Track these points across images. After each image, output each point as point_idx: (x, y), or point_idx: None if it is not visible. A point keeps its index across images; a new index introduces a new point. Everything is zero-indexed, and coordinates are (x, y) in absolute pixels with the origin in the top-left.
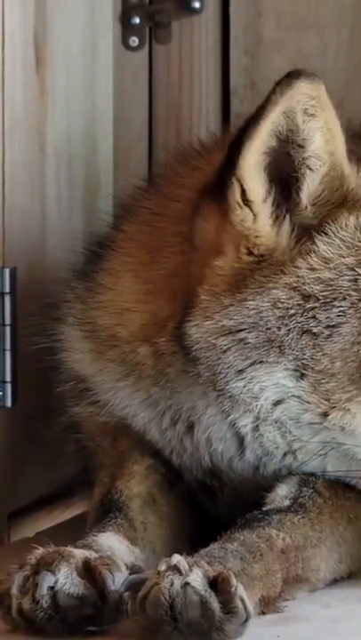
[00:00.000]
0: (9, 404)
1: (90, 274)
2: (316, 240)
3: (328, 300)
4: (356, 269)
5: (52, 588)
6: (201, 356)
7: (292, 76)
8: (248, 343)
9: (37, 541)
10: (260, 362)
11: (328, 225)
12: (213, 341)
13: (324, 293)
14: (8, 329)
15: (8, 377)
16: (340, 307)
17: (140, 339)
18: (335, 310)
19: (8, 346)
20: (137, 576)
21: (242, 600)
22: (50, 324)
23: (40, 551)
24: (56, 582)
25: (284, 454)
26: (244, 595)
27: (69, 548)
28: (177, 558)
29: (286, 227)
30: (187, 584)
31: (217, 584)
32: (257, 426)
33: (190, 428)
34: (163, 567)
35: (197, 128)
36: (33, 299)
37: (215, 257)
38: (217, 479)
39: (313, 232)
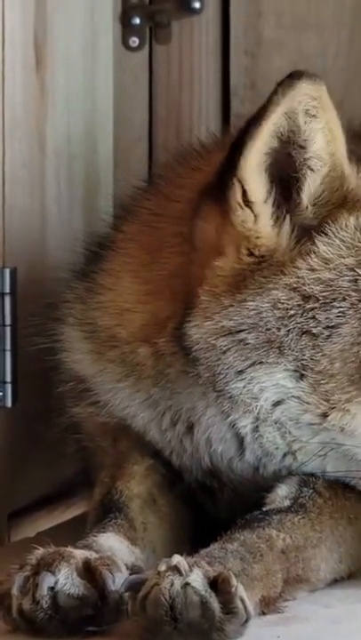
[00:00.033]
0: (9, 404)
1: (90, 274)
2: (316, 240)
3: (328, 300)
4: (356, 270)
5: (52, 588)
6: (201, 356)
7: (293, 77)
8: (248, 344)
9: (38, 542)
10: (260, 362)
11: (328, 225)
12: (213, 342)
13: (323, 294)
14: (8, 329)
15: (8, 377)
16: (340, 307)
17: (140, 339)
18: (335, 311)
19: (8, 346)
20: (137, 576)
21: (242, 600)
22: (50, 324)
23: (40, 551)
24: (56, 583)
25: (284, 455)
26: (245, 595)
27: (70, 549)
28: (177, 558)
29: (287, 227)
30: (187, 584)
31: (217, 584)
32: (257, 426)
33: (190, 428)
34: (163, 567)
35: (197, 128)
36: (33, 299)
37: (215, 257)
38: (217, 480)
39: (313, 232)
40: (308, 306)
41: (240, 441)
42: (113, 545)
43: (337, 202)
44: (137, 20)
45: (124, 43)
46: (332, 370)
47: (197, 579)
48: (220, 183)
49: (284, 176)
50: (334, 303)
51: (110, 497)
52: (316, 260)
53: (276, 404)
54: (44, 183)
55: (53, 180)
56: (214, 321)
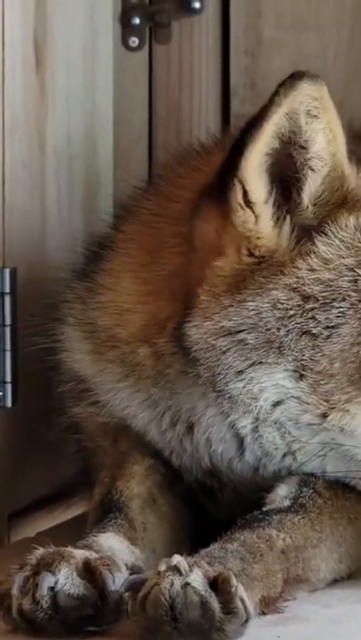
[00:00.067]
0: (9, 404)
1: (90, 274)
2: (315, 241)
3: (328, 300)
4: (356, 270)
5: (52, 588)
6: (200, 356)
7: (295, 78)
8: (247, 344)
9: (38, 542)
10: (260, 363)
11: (328, 225)
12: (213, 342)
13: (323, 294)
14: (8, 329)
15: (8, 377)
16: (340, 307)
17: (139, 339)
18: (335, 311)
19: (8, 346)
20: (137, 576)
21: (242, 600)
22: (50, 324)
23: (40, 551)
24: (56, 583)
25: (284, 455)
26: (245, 595)
27: (70, 549)
28: (177, 558)
29: (287, 228)
30: (187, 584)
31: (217, 584)
32: (256, 427)
33: (190, 428)
34: (163, 567)
35: (197, 128)
36: (33, 299)
37: (215, 258)
38: (217, 480)
39: (313, 233)
40: (308, 306)
41: (240, 441)
42: (113, 545)
43: (337, 202)
44: (137, 20)
45: (124, 43)
46: (331, 370)
47: (197, 579)
48: (221, 184)
49: (285, 176)
50: (334, 303)
51: (110, 497)
52: (315, 260)
53: (276, 404)
54: (44, 183)
55: (53, 181)
56: (214, 321)
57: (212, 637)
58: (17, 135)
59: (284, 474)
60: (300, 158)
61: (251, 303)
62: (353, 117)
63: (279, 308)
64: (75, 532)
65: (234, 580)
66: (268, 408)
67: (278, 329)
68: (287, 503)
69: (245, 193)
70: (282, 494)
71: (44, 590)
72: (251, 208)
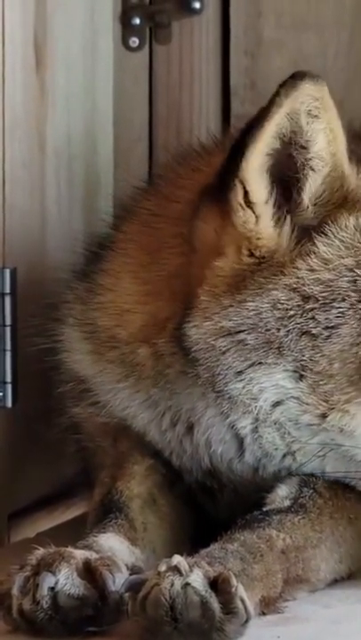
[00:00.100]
0: (9, 404)
1: (90, 274)
2: (315, 241)
3: (327, 301)
4: (356, 270)
5: (52, 588)
6: (200, 357)
7: (296, 78)
8: (247, 344)
9: (38, 542)
10: (260, 363)
11: (328, 226)
12: (213, 342)
13: (323, 294)
14: (8, 329)
15: (8, 377)
16: (340, 308)
17: (139, 340)
18: (334, 311)
19: (8, 346)
20: (137, 576)
21: (242, 600)
22: (50, 324)
23: (40, 552)
24: (56, 583)
25: (284, 455)
26: (245, 595)
27: (70, 549)
28: (177, 559)
29: (287, 228)
30: (187, 584)
31: (217, 584)
32: (256, 427)
33: (190, 429)
34: (163, 568)
35: (198, 128)
36: (33, 299)
37: (215, 258)
38: (217, 480)
39: (313, 233)
40: (308, 306)
41: (240, 442)
42: (113, 545)
43: (337, 202)
44: (137, 21)
45: (124, 43)
46: (331, 370)
47: (198, 579)
48: (221, 184)
49: (285, 176)
50: (334, 304)
51: (110, 497)
52: (315, 260)
53: (276, 404)
54: (44, 183)
55: (53, 181)
56: (214, 321)
57: (212, 637)
58: (17, 135)
59: (284, 474)
60: (301, 158)
61: (251, 303)
62: (353, 117)
63: (279, 309)
64: (75, 532)
65: (234, 581)
66: (268, 408)
67: (278, 329)
68: (287, 503)
69: (246, 193)
70: (282, 494)
71: (44, 590)
72: (251, 208)
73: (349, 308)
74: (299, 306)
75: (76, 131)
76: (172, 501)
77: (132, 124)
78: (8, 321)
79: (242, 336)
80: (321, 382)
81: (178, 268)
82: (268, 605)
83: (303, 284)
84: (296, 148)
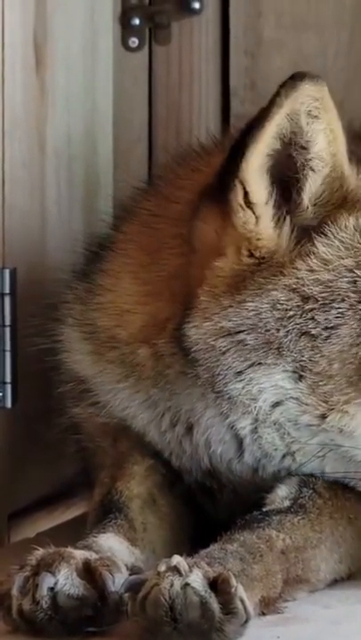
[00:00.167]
0: (9, 404)
1: (90, 275)
2: (315, 241)
3: (327, 301)
4: (355, 271)
5: (52, 588)
6: (200, 357)
7: (296, 79)
8: (247, 345)
9: (38, 542)
10: (259, 363)
11: (328, 226)
12: (212, 343)
13: (323, 295)
14: (8, 330)
15: (8, 378)
16: (339, 308)
17: (139, 340)
18: (334, 312)
19: (8, 347)
20: (137, 577)
21: (242, 601)
22: (50, 324)
23: (40, 552)
24: (56, 583)
25: (283, 456)
26: (244, 595)
27: (70, 549)
28: (177, 559)
29: (287, 228)
30: (187, 585)
31: (217, 585)
32: (256, 428)
33: (189, 429)
34: (163, 568)
35: (197, 129)
36: (33, 299)
37: (215, 258)
38: (216, 481)
39: (312, 233)
40: (308, 307)
41: (239, 442)
42: (113, 545)
43: (337, 202)
44: (137, 21)
45: (124, 43)
46: (330, 371)
47: (197, 579)
48: (221, 185)
49: (285, 177)
50: (333, 304)
51: (110, 497)
52: (315, 260)
53: (275, 405)
54: (44, 184)
55: (53, 181)
56: (213, 322)
57: (211, 638)
58: (17, 135)
59: (284, 475)
60: (301, 159)
61: (250, 304)
62: (353, 118)
63: (279, 309)
64: (75, 532)
65: (234, 581)
66: (268, 409)
67: (278, 330)
68: (287, 504)
69: (246, 194)
70: (282, 495)
71: (43, 591)
72: (251, 209)
73: (349, 309)
74: (298, 306)
75: (75, 131)
76: (172, 502)
77: (131, 124)
78: (8, 321)
79: (241, 336)
80: (320, 383)
81: (178, 268)
82: (267, 606)
83: (303, 285)
84: (296, 148)
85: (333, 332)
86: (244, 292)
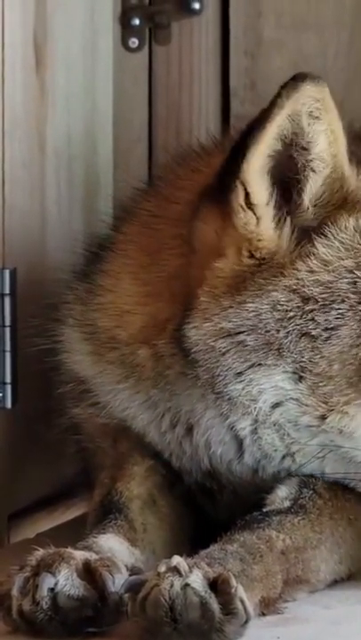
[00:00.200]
0: (9, 405)
1: (90, 275)
2: (315, 242)
3: (327, 302)
4: (355, 272)
5: (52, 589)
6: (200, 358)
7: (297, 80)
8: (247, 346)
9: (38, 542)
10: (259, 364)
11: (328, 227)
12: (212, 344)
13: (323, 296)
14: (8, 330)
15: (8, 378)
16: (339, 309)
17: (139, 341)
18: (334, 313)
19: (8, 347)
20: (137, 577)
21: (242, 601)
22: (50, 325)
23: (40, 552)
24: (56, 584)
25: (283, 457)
26: (244, 596)
27: (70, 550)
28: (177, 559)
29: (287, 229)
30: (187, 585)
31: (217, 585)
32: (255, 428)
33: (189, 430)
34: (163, 568)
35: (197, 129)
36: (33, 300)
37: (215, 259)
38: (216, 482)
39: (313, 234)
40: (308, 307)
41: (239, 443)
42: (113, 546)
43: (337, 203)
44: (137, 21)
45: (124, 43)
46: (330, 372)
47: (197, 580)
48: (221, 185)
49: (285, 178)
50: (333, 305)
51: (110, 498)
52: (315, 261)
53: (275, 405)
54: (44, 184)
55: (53, 181)
56: (213, 322)
57: (211, 638)
58: (17, 135)
59: (284, 475)
60: (302, 160)
61: (250, 304)
62: (353, 119)
63: (279, 310)
64: (75, 532)
65: (233, 581)
66: (268, 410)
67: (278, 330)
68: (287, 504)
69: (247, 195)
70: (282, 495)
71: (43, 591)
72: (252, 210)
73: (349, 310)
74: (298, 307)
75: (75, 131)
76: (172, 502)
77: (131, 124)
78: (8, 321)
79: (241, 337)
80: (320, 384)
81: (178, 269)
82: (267, 606)
83: (303, 286)
84: (297, 149)
85: (333, 332)
86: (244, 293)
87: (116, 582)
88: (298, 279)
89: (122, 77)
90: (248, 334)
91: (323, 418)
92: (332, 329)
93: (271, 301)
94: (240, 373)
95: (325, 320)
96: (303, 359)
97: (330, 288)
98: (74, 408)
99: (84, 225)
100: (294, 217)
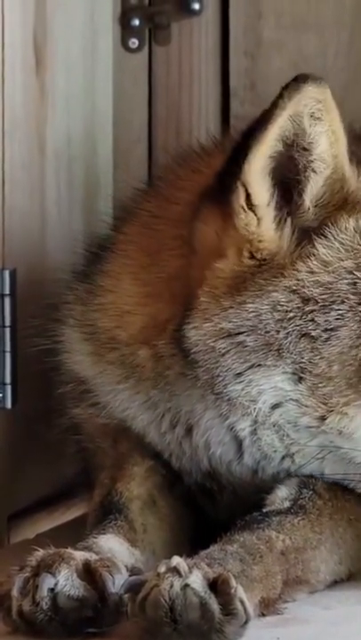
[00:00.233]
0: (9, 405)
1: (90, 276)
2: (315, 243)
3: (327, 303)
4: (355, 273)
5: (52, 589)
6: (200, 358)
7: (299, 80)
8: (247, 346)
9: (38, 543)
10: (259, 365)
11: (328, 228)
12: (212, 344)
13: (323, 297)
14: (8, 330)
15: (8, 379)
16: (339, 310)
17: (139, 341)
18: (334, 314)
19: (8, 347)
20: (137, 578)
21: (241, 602)
22: (50, 325)
23: (40, 553)
24: (56, 584)
25: (283, 458)
26: (244, 596)
27: (70, 550)
28: (177, 560)
29: (288, 230)
30: (186, 586)
31: (217, 586)
32: (255, 429)
33: (189, 431)
34: (162, 569)
35: (197, 129)
36: (33, 300)
37: (216, 260)
38: (216, 482)
39: (313, 235)
40: (308, 308)
41: (238, 444)
42: (113, 546)
43: (337, 204)
44: (136, 22)
45: (124, 44)
46: (330, 373)
47: (197, 580)
48: (222, 186)
49: (285, 178)
50: (333, 306)
51: (110, 498)
52: (315, 262)
53: (275, 406)
54: (44, 185)
55: (53, 182)
56: (213, 323)
57: (211, 639)
58: (17, 137)
59: (283, 476)
60: (303, 160)
61: (250, 305)
62: (354, 119)
63: (279, 310)
64: (75, 533)
65: (233, 582)
66: (267, 410)
67: (278, 331)
68: (287, 505)
69: (248, 196)
70: (281, 496)
71: (43, 592)
72: (253, 211)
73: (349, 311)
74: (298, 308)
75: (75, 132)
76: (172, 503)
77: (131, 125)
78: (8, 322)
79: (241, 338)
80: (320, 385)
81: (178, 269)
82: (267, 607)
83: (303, 287)
84: (298, 150)
85: (333, 333)
86: (244, 294)
87: (116, 583)
88: (298, 280)
89: (122, 78)
90: (248, 335)
91: (322, 419)
92: (331, 330)
93: (271, 302)
94: (240, 374)
95: (325, 321)
96: (303, 360)
97: (330, 289)
98: (74, 408)
99: (84, 225)
100: (295, 218)
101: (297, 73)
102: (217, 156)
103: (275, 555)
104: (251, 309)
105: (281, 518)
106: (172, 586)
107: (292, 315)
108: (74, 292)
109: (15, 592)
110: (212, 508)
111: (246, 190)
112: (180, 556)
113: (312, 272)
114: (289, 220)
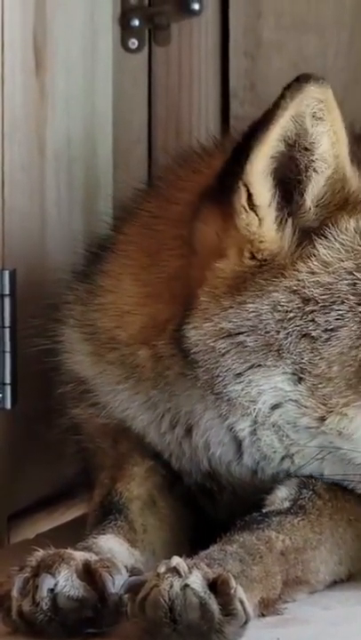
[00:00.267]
0: (8, 405)
1: (90, 276)
2: (316, 244)
3: (327, 303)
4: (355, 273)
5: (52, 590)
6: (199, 358)
7: (301, 81)
8: (247, 346)
9: (37, 543)
10: (259, 365)
11: (328, 228)
12: (212, 344)
13: (323, 297)
14: (8, 331)
15: (8, 379)
16: (339, 310)
17: (139, 341)
18: (334, 314)
19: (8, 348)
20: (137, 578)
21: (241, 602)
22: (50, 325)
23: (40, 553)
24: (56, 584)
25: (282, 458)
26: (244, 597)
27: (69, 551)
28: (176, 560)
29: (289, 230)
30: (186, 586)
31: (216, 586)
32: (255, 430)
33: (189, 431)
34: (162, 569)
35: (197, 130)
36: (32, 300)
37: (216, 260)
38: (216, 483)
39: (313, 235)
40: (308, 309)
41: (238, 444)
42: (113, 547)
43: (338, 204)
44: (136, 22)
45: (124, 44)
46: (330, 373)
47: (197, 580)
48: (223, 186)
49: (286, 178)
50: (333, 306)
51: (110, 498)
52: (316, 263)
53: (274, 407)
54: (44, 186)
55: (53, 183)
56: (213, 322)
57: (211, 639)
58: (16, 138)
59: (283, 477)
60: (304, 160)
61: (251, 305)
62: (354, 120)
63: (279, 311)
64: (75, 533)
65: (233, 582)
66: (267, 411)
67: (278, 331)
68: (287, 505)
69: (250, 196)
70: (281, 496)
71: (43, 592)
72: (255, 211)
73: (349, 311)
74: (299, 308)
75: (75, 133)
76: (172, 503)
77: (131, 125)
78: (7, 322)
79: (241, 338)
80: (320, 385)
81: (178, 269)
82: (267, 607)
83: (303, 287)
84: (300, 150)
85: (333, 334)
86: (244, 294)
87: (116, 583)
88: (298, 280)
89: (121, 78)
90: (248, 335)
91: (322, 419)
92: (331, 330)
93: (272, 302)
94: (239, 374)
95: (325, 321)
96: (303, 360)
97: (330, 289)
98: (74, 408)
99: (84, 226)
100: (296, 218)
101: (297, 73)
102: (217, 156)
103: (274, 555)
104: (251, 309)
105: (281, 519)
106: (171, 586)
107: (292, 315)
108: (74, 292)
109: (15, 592)
110: (211, 508)
111: (248, 190)
112: (180, 556)
113: (312, 272)
114: (290, 220)
